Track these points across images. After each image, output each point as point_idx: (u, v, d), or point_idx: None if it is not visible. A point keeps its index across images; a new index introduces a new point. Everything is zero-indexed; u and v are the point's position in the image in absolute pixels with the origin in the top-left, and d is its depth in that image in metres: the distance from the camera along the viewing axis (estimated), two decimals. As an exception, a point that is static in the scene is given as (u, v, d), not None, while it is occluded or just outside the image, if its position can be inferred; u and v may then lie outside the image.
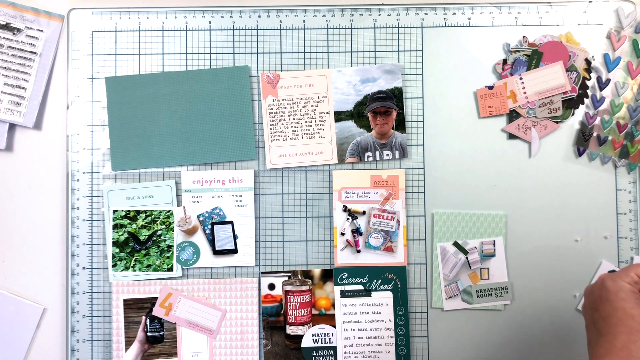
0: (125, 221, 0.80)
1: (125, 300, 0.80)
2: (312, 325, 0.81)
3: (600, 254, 0.81)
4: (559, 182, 0.82)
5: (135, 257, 0.80)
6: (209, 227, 0.81)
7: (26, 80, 0.82)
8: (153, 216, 0.81)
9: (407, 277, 0.81)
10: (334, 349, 0.80)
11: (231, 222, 0.81)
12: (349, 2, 0.83)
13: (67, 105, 0.82)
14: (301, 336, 0.80)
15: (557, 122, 0.81)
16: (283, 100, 0.81)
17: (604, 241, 0.81)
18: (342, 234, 0.81)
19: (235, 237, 0.81)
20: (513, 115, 0.82)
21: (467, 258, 0.81)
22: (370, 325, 0.80)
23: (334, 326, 0.81)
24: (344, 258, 0.81)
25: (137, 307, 0.80)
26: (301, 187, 0.82)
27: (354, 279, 0.81)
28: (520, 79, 0.81)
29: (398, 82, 0.82)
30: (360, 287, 0.81)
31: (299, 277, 0.81)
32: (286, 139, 0.81)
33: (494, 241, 0.81)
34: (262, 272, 0.81)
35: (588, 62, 0.81)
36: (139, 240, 0.80)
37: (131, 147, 0.81)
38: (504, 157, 0.82)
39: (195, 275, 0.81)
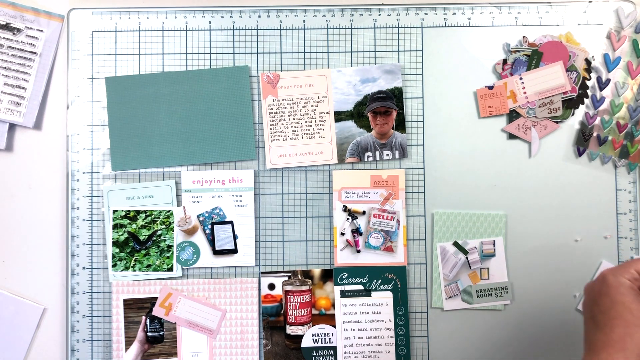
0: (125, 221, 0.80)
1: (125, 300, 0.80)
2: (312, 325, 0.81)
3: (600, 254, 0.81)
4: (559, 182, 0.82)
5: (135, 257, 0.80)
6: (209, 227, 0.81)
7: (26, 80, 0.82)
8: (153, 216, 0.81)
9: (407, 277, 0.81)
10: (334, 349, 0.80)
11: (231, 222, 0.81)
12: (349, 2, 0.83)
13: (67, 105, 0.82)
14: (301, 336, 0.80)
15: (557, 122, 0.81)
16: (283, 100, 0.81)
17: (604, 241, 0.81)
18: (342, 234, 0.81)
19: (235, 237, 0.81)
20: (513, 115, 0.82)
21: (467, 258, 0.81)
22: (370, 325, 0.80)
23: (334, 326, 0.81)
24: (344, 258, 0.81)
25: (137, 307, 0.80)
26: (301, 187, 0.82)
27: (354, 279, 0.81)
28: (520, 79, 0.81)
29: (398, 82, 0.82)
30: (360, 287, 0.81)
31: (299, 277, 0.81)
32: (286, 139, 0.81)
33: (494, 241, 0.81)
34: (262, 272, 0.81)
35: (588, 62, 0.81)
36: (139, 240, 0.80)
37: (131, 147, 0.81)
38: (504, 157, 0.82)
39: (195, 275, 0.81)
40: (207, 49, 0.82)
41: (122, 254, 0.80)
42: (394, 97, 0.82)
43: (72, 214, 0.81)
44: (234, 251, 0.81)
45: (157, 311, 0.80)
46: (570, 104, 0.81)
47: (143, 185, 0.81)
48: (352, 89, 0.82)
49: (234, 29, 0.83)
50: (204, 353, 0.80)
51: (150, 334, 0.80)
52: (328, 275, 0.81)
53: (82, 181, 0.81)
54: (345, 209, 0.81)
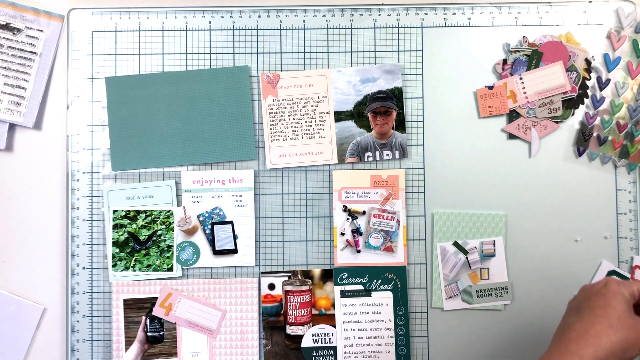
0: (125, 221, 0.80)
1: (125, 300, 0.80)
2: (312, 325, 0.81)
3: (600, 254, 0.81)
4: (559, 182, 0.82)
5: (135, 257, 0.80)
6: (209, 227, 0.81)
7: (26, 80, 0.82)
8: (153, 216, 0.81)
9: (407, 277, 0.81)
10: (334, 349, 0.80)
11: (231, 222, 0.81)
12: (349, 2, 0.83)
13: (67, 105, 0.82)
14: (301, 336, 0.80)
15: (557, 122, 0.81)
16: (283, 100, 0.81)
17: (604, 241, 0.81)
18: (342, 234, 0.81)
19: (235, 237, 0.81)
20: (513, 115, 0.82)
21: (467, 258, 0.81)
22: (370, 325, 0.80)
23: (334, 326, 0.81)
24: (344, 258, 0.81)
25: (137, 307, 0.80)
26: (301, 187, 0.82)
27: (354, 279, 0.81)
28: (520, 79, 0.81)
29: (398, 82, 0.82)
30: (360, 287, 0.81)
31: (299, 277, 0.81)
32: (286, 139, 0.81)
33: (494, 241, 0.81)
34: (262, 272, 0.81)
35: (588, 62, 0.81)
36: (139, 240, 0.80)
37: (131, 147, 0.81)
38: (504, 157, 0.82)
39: (195, 275, 0.81)
40: (207, 49, 0.82)
41: (122, 254, 0.80)
42: (394, 97, 0.82)
43: (72, 214, 0.81)
44: (234, 251, 0.81)
45: (157, 311, 0.80)
46: (570, 104, 0.81)
47: (143, 185, 0.81)
48: (352, 89, 0.82)
49: (234, 29, 0.83)
50: (204, 353, 0.80)
51: (150, 334, 0.80)
52: (328, 275, 0.81)
53: (82, 181, 0.81)
54: (345, 209, 0.81)
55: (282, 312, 0.81)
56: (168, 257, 0.80)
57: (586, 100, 0.81)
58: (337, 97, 0.82)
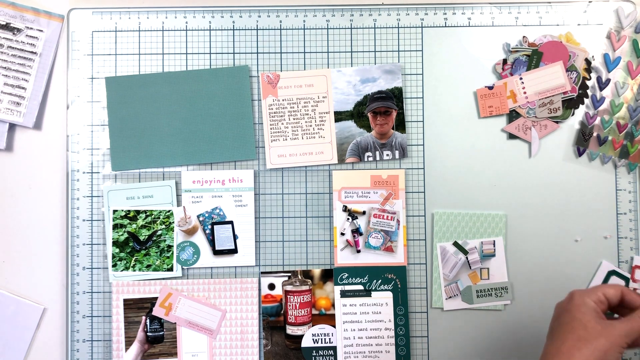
0: (125, 221, 0.80)
1: (125, 300, 0.80)
2: (312, 325, 0.81)
3: (600, 254, 0.81)
4: (559, 182, 0.82)
5: (135, 257, 0.80)
6: (209, 227, 0.81)
7: (26, 80, 0.82)
8: (153, 216, 0.81)
9: (407, 277, 0.81)
10: (334, 349, 0.80)
11: (231, 222, 0.81)
12: (349, 2, 0.83)
13: (67, 105, 0.82)
14: (301, 336, 0.80)
15: (557, 122, 0.81)
16: (283, 100, 0.81)
17: (604, 241, 0.81)
18: (342, 234, 0.81)
19: (235, 237, 0.81)
20: (513, 115, 0.82)
21: (467, 258, 0.81)
22: (370, 325, 0.80)
23: (334, 326, 0.81)
24: (344, 258, 0.81)
25: (137, 307, 0.80)
26: (301, 187, 0.82)
27: (354, 279, 0.81)
28: (520, 79, 0.81)
29: (398, 82, 0.82)
30: (360, 287, 0.81)
31: (299, 277, 0.81)
32: (286, 139, 0.81)
33: (494, 241, 0.81)
34: (262, 272, 0.81)
35: (588, 62, 0.81)
36: (139, 240, 0.80)
37: (131, 147, 0.81)
38: (504, 157, 0.82)
39: (195, 275, 0.81)
40: (207, 49, 0.82)
41: (122, 254, 0.80)
42: (394, 97, 0.82)
43: (72, 214, 0.81)
44: (234, 251, 0.81)
45: (157, 311, 0.80)
46: (570, 104, 0.81)
47: (143, 185, 0.81)
48: (352, 89, 0.82)
49: (234, 29, 0.83)
50: (204, 353, 0.80)
51: (150, 334, 0.80)
52: (328, 275, 0.81)
53: (82, 181, 0.81)
54: (345, 209, 0.81)
55: (282, 312, 0.81)
56: (168, 257, 0.80)
57: (586, 100, 0.81)
58: (337, 97, 0.82)
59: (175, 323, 0.80)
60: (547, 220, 0.81)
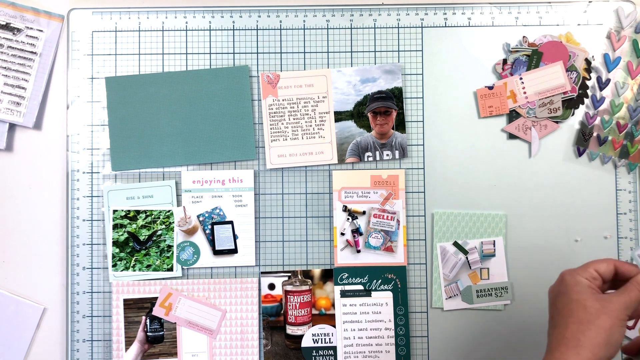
0: (125, 221, 0.80)
1: (125, 300, 0.80)
2: (312, 325, 0.81)
3: (600, 254, 0.81)
4: (559, 182, 0.82)
5: (135, 257, 0.80)
6: (209, 227, 0.81)
7: (26, 80, 0.82)
8: (153, 216, 0.81)
9: (407, 277, 0.81)
10: (334, 349, 0.80)
11: (231, 222, 0.81)
12: (349, 2, 0.83)
13: (67, 105, 0.82)
14: (301, 336, 0.80)
15: (557, 122, 0.81)
16: (283, 100, 0.81)
17: (604, 241, 0.81)
18: (342, 234, 0.81)
19: (235, 237, 0.81)
20: (513, 115, 0.82)
21: (467, 258, 0.81)
22: (370, 325, 0.80)
23: (334, 326, 0.81)
24: (344, 258, 0.81)
25: (137, 307, 0.80)
26: (301, 187, 0.82)
27: (354, 279, 0.81)
28: (520, 79, 0.81)
29: (398, 82, 0.82)
30: (360, 287, 0.81)
31: (299, 277, 0.81)
32: (286, 139, 0.81)
33: (494, 241, 0.81)
34: (262, 272, 0.81)
35: (588, 62, 0.81)
36: (139, 240, 0.80)
37: (131, 147, 0.81)
38: (504, 157, 0.82)
39: (195, 275, 0.81)
40: (207, 49, 0.82)
41: (122, 254, 0.80)
42: (394, 97, 0.82)
43: (72, 214, 0.81)
44: (234, 251, 0.81)
45: (157, 311, 0.80)
46: (570, 104, 0.81)
47: (143, 185, 0.81)
48: (352, 89, 0.82)
49: (234, 29, 0.83)
50: (204, 353, 0.80)
51: (150, 334, 0.80)
52: (328, 275, 0.81)
53: (82, 181, 0.81)
54: (345, 209, 0.81)
55: (282, 312, 0.81)
56: (168, 257, 0.80)
57: (586, 100, 0.81)
58: (337, 97, 0.82)
59: (175, 323, 0.80)
60: (547, 220, 0.81)
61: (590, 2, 0.82)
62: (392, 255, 0.81)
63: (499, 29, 0.82)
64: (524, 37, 0.82)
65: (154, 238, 0.81)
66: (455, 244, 0.81)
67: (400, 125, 0.82)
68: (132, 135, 0.81)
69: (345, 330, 0.80)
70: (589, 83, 0.81)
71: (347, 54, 0.82)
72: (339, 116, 0.82)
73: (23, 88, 0.82)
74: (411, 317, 0.81)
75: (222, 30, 0.82)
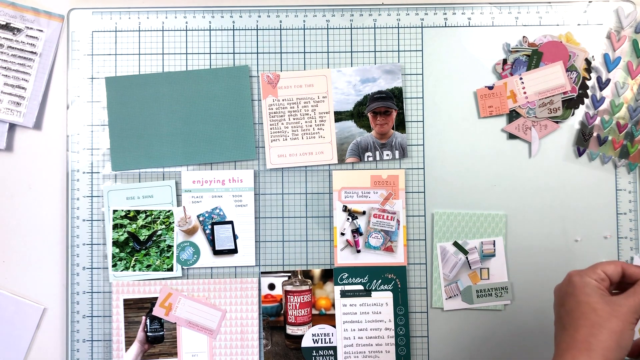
0: (125, 221, 0.80)
1: (125, 300, 0.80)
2: (312, 325, 0.81)
3: (600, 254, 0.81)
4: (559, 182, 0.82)
5: (135, 257, 0.80)
6: (209, 227, 0.81)
7: (26, 80, 0.82)
8: (153, 216, 0.81)
9: (407, 277, 0.81)
10: (334, 349, 0.80)
11: (231, 222, 0.81)
12: (349, 2, 0.83)
13: (67, 105, 0.82)
14: (301, 336, 0.80)
15: (557, 122, 0.81)
16: (283, 100, 0.81)
17: (604, 241, 0.81)
18: (342, 234, 0.81)
19: (235, 237, 0.81)
20: (513, 115, 0.82)
21: (467, 258, 0.81)
22: (370, 325, 0.80)
23: (334, 326, 0.81)
24: (344, 258, 0.81)
25: (137, 307, 0.80)
26: (301, 187, 0.82)
27: (354, 279, 0.81)
28: (520, 79, 0.81)
29: (398, 82, 0.82)
30: (360, 287, 0.81)
31: (299, 277, 0.81)
32: (286, 139, 0.81)
33: (494, 241, 0.81)
34: (262, 272, 0.81)
35: (588, 62, 0.81)
36: (139, 240, 0.80)
37: (131, 147, 0.81)
38: (504, 157, 0.82)
39: (195, 275, 0.81)
40: (207, 49, 0.82)
41: (122, 254, 0.80)
42: (394, 97, 0.82)
43: (72, 214, 0.81)
44: (234, 251, 0.81)
45: (157, 311, 0.80)
46: (570, 104, 0.81)
47: (143, 185, 0.81)
48: (352, 89, 0.82)
49: (234, 29, 0.83)
50: (204, 353, 0.80)
51: (150, 334, 0.80)
52: (328, 275, 0.81)
53: (82, 181, 0.81)
54: (345, 209, 0.81)
55: (282, 312, 0.81)
56: (168, 257, 0.80)
57: (586, 100, 0.81)
58: (337, 97, 0.82)
59: (175, 323, 0.80)
60: (547, 220, 0.81)
61: (590, 2, 0.82)
62: (392, 255, 0.81)
63: (499, 29, 0.82)
64: (524, 37, 0.82)
65: (154, 238, 0.81)
66: (455, 244, 0.81)
67: (400, 125, 0.82)
68: (132, 135, 0.81)
69: (345, 330, 0.80)
70: (589, 83, 0.81)
71: (347, 54, 0.82)
72: (339, 116, 0.82)
73: (23, 88, 0.82)
74: (411, 317, 0.81)
75: (222, 30, 0.82)
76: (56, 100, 0.82)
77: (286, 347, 0.80)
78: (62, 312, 0.81)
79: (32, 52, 0.82)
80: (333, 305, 0.81)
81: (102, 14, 0.82)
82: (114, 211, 0.80)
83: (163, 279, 0.80)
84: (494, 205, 0.82)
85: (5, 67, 0.81)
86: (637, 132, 0.81)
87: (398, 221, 0.81)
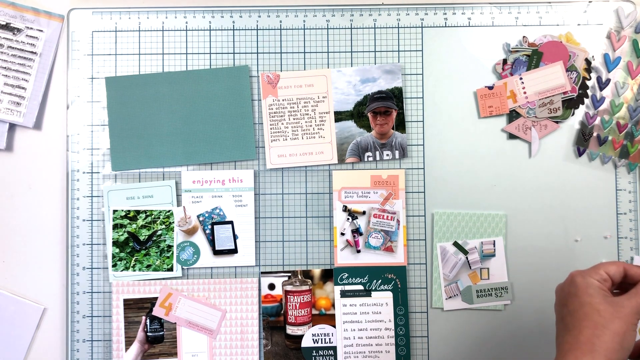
0: (125, 221, 0.80)
1: (125, 300, 0.80)
2: (312, 325, 0.81)
3: (600, 254, 0.81)
4: (559, 182, 0.82)
5: (135, 257, 0.80)
6: (209, 227, 0.81)
7: (26, 80, 0.82)
8: (153, 216, 0.81)
9: (407, 277, 0.81)
10: (334, 349, 0.80)
11: (231, 222, 0.81)
12: (349, 2, 0.83)
13: (67, 105, 0.82)
14: (301, 336, 0.80)
15: (557, 122, 0.81)
16: (283, 100, 0.81)
17: (604, 241, 0.81)
18: (342, 234, 0.81)
19: (235, 237, 0.81)
20: (513, 115, 0.82)
21: (467, 258, 0.81)
22: (370, 325, 0.80)
23: (334, 326, 0.81)
24: (344, 258, 0.81)
25: (137, 307, 0.80)
26: (301, 187, 0.82)
27: (354, 279, 0.81)
28: (520, 79, 0.81)
29: (398, 82, 0.82)
30: (360, 287, 0.81)
31: (299, 277, 0.81)
32: (286, 139, 0.81)
33: (494, 241, 0.81)
34: (262, 272, 0.81)
35: (588, 62, 0.81)
36: (139, 240, 0.80)
37: (131, 147, 0.81)
38: (504, 157, 0.82)
39: (195, 275, 0.81)
40: (207, 49, 0.82)
41: (122, 254, 0.80)
42: (394, 97, 0.82)
43: (72, 214, 0.81)
44: (234, 251, 0.81)
45: (157, 311, 0.80)
46: (570, 104, 0.81)
47: (143, 185, 0.81)
48: (352, 89, 0.82)
49: (234, 29, 0.83)
50: (204, 353, 0.80)
51: (150, 334, 0.80)
52: (328, 275, 0.81)
53: (82, 181, 0.81)
54: (345, 209, 0.81)
55: (282, 312, 0.81)
56: (168, 257, 0.80)
57: (586, 100, 0.81)
58: (337, 97, 0.82)
59: (175, 323, 0.80)
60: (547, 220, 0.81)
61: (590, 2, 0.82)
62: (392, 255, 0.81)
63: (499, 29, 0.82)
64: (524, 37, 0.82)
65: (154, 238, 0.81)
66: (455, 244, 0.81)
67: (400, 125, 0.82)
68: (132, 135, 0.81)
69: (345, 331, 0.80)
70: (589, 83, 0.81)
71: (347, 54, 0.82)
72: (339, 116, 0.82)
73: (23, 88, 0.82)
74: (411, 317, 0.81)
75: (222, 30, 0.82)
76: (56, 100, 0.82)
77: (286, 347, 0.80)
78: (62, 312, 0.81)
79: (32, 52, 0.82)
80: (333, 305, 0.81)
81: (102, 14, 0.82)
82: (114, 211, 0.80)
83: (163, 279, 0.80)
84: (494, 205, 0.82)
85: (5, 67, 0.81)
86: (637, 132, 0.81)
87: (398, 221, 0.81)
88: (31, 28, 0.82)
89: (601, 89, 0.81)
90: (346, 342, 0.80)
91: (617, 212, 0.81)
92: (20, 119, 0.81)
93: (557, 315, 0.59)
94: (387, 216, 0.81)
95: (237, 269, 0.81)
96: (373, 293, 0.81)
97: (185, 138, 0.81)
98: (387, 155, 0.82)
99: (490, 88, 0.82)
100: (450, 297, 0.81)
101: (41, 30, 0.82)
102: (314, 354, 0.80)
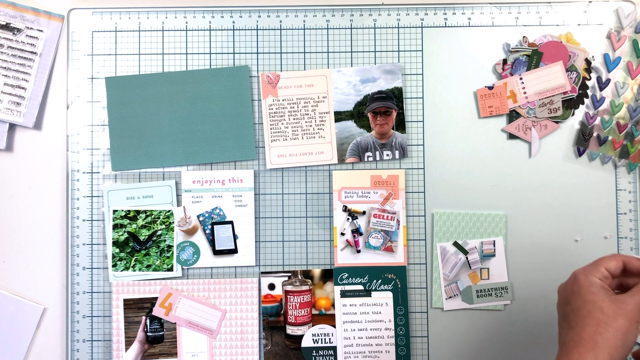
0: (125, 221, 0.80)
1: (125, 300, 0.80)
2: (312, 325, 0.81)
3: (600, 254, 0.81)
4: (559, 182, 0.82)
5: (135, 257, 0.80)
6: (209, 227, 0.81)
7: (26, 80, 0.82)
8: (153, 216, 0.81)
9: (407, 277, 0.81)
10: (334, 349, 0.80)
11: (231, 222, 0.81)
12: (349, 2, 0.83)
13: (67, 105, 0.82)
14: (301, 336, 0.80)
15: (557, 122, 0.82)
16: (283, 100, 0.81)
17: (604, 241, 0.81)
18: (342, 234, 0.81)
19: (235, 237, 0.81)
20: (513, 115, 0.82)
21: (467, 258, 0.81)
22: (370, 325, 0.80)
23: (334, 326, 0.81)
24: (344, 258, 0.81)
25: (137, 307, 0.80)
26: (301, 187, 0.82)
27: (354, 279, 0.81)
28: (520, 79, 0.81)
29: (398, 82, 0.82)
30: (360, 287, 0.81)
31: (299, 277, 0.81)
32: (286, 139, 0.81)
33: (494, 241, 0.81)
34: (262, 272, 0.81)
35: (588, 62, 0.81)
36: (139, 240, 0.80)
37: (131, 147, 0.81)
38: (504, 157, 0.82)
39: (195, 275, 0.81)
40: (207, 49, 0.82)
41: (122, 254, 0.80)
42: (394, 97, 0.82)
43: (72, 214, 0.81)
44: (234, 251, 0.81)
45: (157, 311, 0.80)
46: (570, 104, 0.81)
47: (143, 185, 0.81)
48: (352, 89, 0.82)
49: (234, 29, 0.83)
50: (204, 353, 0.80)
51: (150, 334, 0.80)
52: (328, 275, 0.81)
53: (82, 181, 0.81)
54: (345, 209, 0.81)
55: (282, 312, 0.81)
56: (168, 257, 0.80)
57: (586, 100, 0.81)
58: (337, 97, 0.82)
59: (175, 323, 0.80)
60: (547, 220, 0.81)
61: (590, 2, 0.82)
62: (392, 255, 0.81)
63: (499, 29, 0.82)
64: (524, 37, 0.82)
65: (154, 238, 0.81)
66: (455, 244, 0.81)
67: (400, 125, 0.82)
68: (132, 135, 0.81)
69: (345, 331, 0.80)
70: (589, 83, 0.81)
71: (347, 54, 0.82)
72: (339, 116, 0.82)
73: (23, 88, 0.82)
74: (411, 317, 0.81)
75: (222, 30, 0.82)
76: (56, 100, 0.82)
77: (286, 347, 0.81)
78: (62, 312, 0.81)
79: (32, 52, 0.82)
80: (333, 305, 0.81)
81: (102, 14, 0.82)
82: (114, 211, 0.80)
83: (163, 279, 0.80)
84: (494, 205, 0.82)
85: (5, 67, 0.81)
86: (637, 132, 0.81)
87: (398, 221, 0.81)
88: (31, 28, 0.82)
89: (601, 89, 0.81)
90: (346, 342, 0.80)
91: (617, 212, 0.81)
92: (20, 119, 0.81)
93: (560, 314, 0.59)
94: (387, 216, 0.81)
95: (237, 269, 0.81)
96: (373, 293, 0.81)
97: (185, 138, 0.81)
98: (387, 155, 0.82)
99: (490, 88, 0.82)
100: (450, 297, 0.81)
101: (41, 31, 0.82)
102: (314, 354, 0.80)
